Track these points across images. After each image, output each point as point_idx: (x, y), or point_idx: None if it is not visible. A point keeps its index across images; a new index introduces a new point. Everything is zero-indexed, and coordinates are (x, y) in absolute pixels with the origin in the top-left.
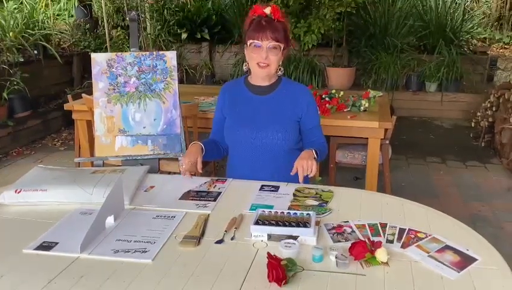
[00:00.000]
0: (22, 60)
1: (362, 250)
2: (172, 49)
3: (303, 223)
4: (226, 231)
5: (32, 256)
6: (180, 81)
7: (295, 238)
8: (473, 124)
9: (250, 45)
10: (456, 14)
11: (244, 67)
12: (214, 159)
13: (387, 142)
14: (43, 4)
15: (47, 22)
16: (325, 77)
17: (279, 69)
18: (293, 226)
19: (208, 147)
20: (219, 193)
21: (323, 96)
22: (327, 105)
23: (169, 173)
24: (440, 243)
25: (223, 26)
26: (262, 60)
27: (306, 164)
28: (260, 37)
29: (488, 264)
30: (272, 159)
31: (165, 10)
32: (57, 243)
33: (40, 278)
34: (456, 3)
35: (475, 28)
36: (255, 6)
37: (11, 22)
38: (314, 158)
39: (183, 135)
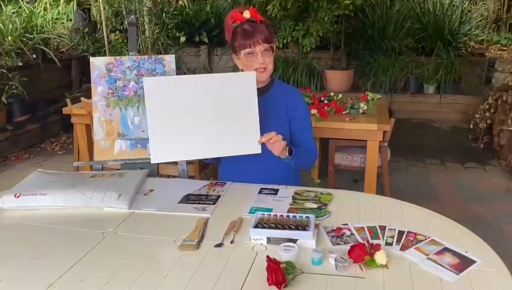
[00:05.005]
0: (21, 64)
1: (361, 253)
2: (171, 53)
3: (302, 226)
4: (225, 234)
5: (32, 261)
6: None
7: (294, 241)
8: (471, 126)
9: (243, 54)
10: (454, 16)
11: None
12: None
13: (386, 144)
14: (42, 8)
15: (46, 26)
16: (324, 80)
17: None
18: (292, 229)
19: None
20: (218, 196)
21: (322, 99)
22: (326, 108)
23: (168, 176)
24: (439, 246)
25: (222, 29)
26: (259, 65)
27: (275, 138)
28: (251, 43)
29: (487, 267)
30: (265, 166)
31: (164, 14)
32: None
33: (40, 282)
34: (453, 6)
35: (473, 30)
36: (232, 14)
37: (10, 26)
38: (289, 151)
39: None
